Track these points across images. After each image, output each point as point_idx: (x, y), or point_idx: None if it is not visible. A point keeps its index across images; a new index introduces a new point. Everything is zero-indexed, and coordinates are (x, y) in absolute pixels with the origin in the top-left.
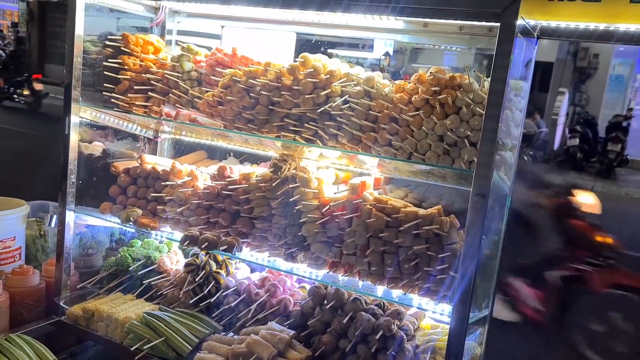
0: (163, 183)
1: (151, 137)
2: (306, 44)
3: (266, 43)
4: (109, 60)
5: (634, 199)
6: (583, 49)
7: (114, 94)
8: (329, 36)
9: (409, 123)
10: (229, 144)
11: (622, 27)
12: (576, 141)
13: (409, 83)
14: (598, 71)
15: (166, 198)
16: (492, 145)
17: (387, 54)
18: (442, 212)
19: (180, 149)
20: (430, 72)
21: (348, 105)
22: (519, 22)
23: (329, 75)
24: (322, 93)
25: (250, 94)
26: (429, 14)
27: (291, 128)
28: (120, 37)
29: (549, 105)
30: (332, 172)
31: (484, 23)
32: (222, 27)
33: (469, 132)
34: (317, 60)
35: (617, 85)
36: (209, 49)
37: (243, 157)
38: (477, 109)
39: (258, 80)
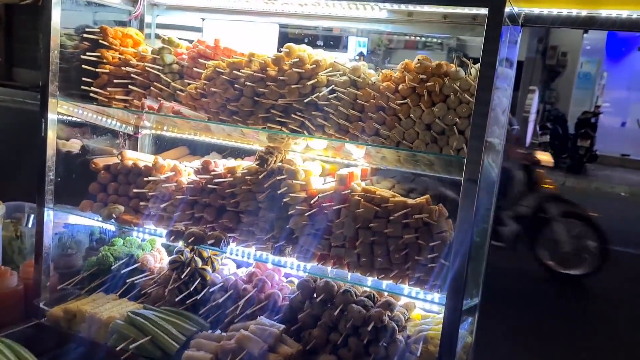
0: (145, 179)
1: (131, 133)
2: (288, 40)
3: (248, 35)
4: (87, 53)
5: (604, 193)
6: (552, 47)
7: (92, 88)
8: (311, 27)
9: (396, 112)
10: (211, 138)
11: (604, 12)
12: (547, 138)
13: (396, 72)
14: (567, 69)
15: (149, 194)
16: (482, 131)
17: (361, 54)
18: (431, 202)
19: (161, 145)
20: (418, 60)
21: (334, 95)
22: (507, 8)
23: (314, 65)
24: (308, 83)
25: (235, 86)
26: (416, 0)
27: (277, 119)
28: (98, 30)
29: (520, 102)
30: (318, 165)
31: (468, 11)
32: (203, 19)
33: (457, 120)
34: (302, 50)
35: (585, 82)
36: (190, 42)
37: (226, 152)
38: (465, 96)
39: (242, 71)
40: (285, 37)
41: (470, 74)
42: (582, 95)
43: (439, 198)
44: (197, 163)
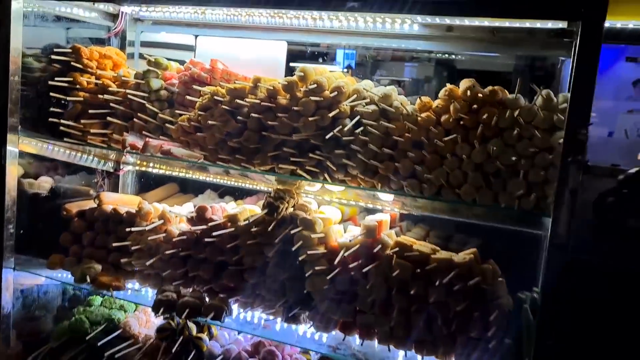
0: (128, 229)
1: (111, 170)
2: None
3: (251, 55)
4: (57, 78)
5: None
6: (541, 58)
7: (63, 120)
8: (325, 45)
9: (438, 149)
10: (206, 177)
11: None
12: None
13: (436, 99)
14: (555, 80)
15: (132, 247)
16: (576, 176)
17: (349, 66)
18: (479, 258)
19: (147, 184)
20: (467, 86)
21: (361, 128)
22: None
23: (335, 92)
24: (330, 115)
25: (237, 117)
26: (493, 13)
27: (291, 159)
28: (70, 50)
29: None
30: (336, 210)
31: (519, 24)
32: (196, 36)
33: (523, 160)
34: (320, 73)
35: None
36: (181, 63)
37: (222, 190)
38: (530, 130)
39: (246, 100)
40: (294, 57)
41: (535, 104)
42: None
43: (485, 249)
44: (189, 206)
